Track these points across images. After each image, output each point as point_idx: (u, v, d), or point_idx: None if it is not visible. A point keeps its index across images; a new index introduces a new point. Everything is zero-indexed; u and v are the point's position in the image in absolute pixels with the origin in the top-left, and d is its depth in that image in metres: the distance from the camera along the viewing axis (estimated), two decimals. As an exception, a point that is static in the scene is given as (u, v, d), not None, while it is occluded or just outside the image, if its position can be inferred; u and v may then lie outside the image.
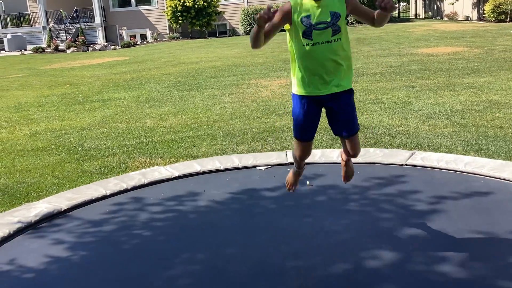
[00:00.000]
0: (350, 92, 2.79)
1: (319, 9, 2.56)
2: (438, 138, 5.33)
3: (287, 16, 2.61)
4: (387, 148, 5.06)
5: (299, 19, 2.58)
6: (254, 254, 3.13)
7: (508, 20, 22.03)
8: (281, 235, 3.37)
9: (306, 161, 3.28)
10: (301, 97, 2.79)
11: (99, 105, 9.06)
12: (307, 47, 2.62)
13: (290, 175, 3.36)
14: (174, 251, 3.26)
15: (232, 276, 2.90)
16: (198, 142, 6.01)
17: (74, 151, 6.02)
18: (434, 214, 3.44)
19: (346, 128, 2.84)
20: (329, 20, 2.56)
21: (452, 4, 28.96)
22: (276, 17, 2.55)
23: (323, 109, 2.88)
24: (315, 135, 2.97)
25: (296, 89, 2.79)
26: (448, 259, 2.85)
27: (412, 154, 4.61)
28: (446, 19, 29.33)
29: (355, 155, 2.99)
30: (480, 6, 25.96)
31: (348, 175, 3.28)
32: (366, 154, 4.68)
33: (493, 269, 2.74)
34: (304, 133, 2.89)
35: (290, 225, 3.52)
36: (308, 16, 2.57)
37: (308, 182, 4.15)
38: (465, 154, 4.70)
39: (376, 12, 2.58)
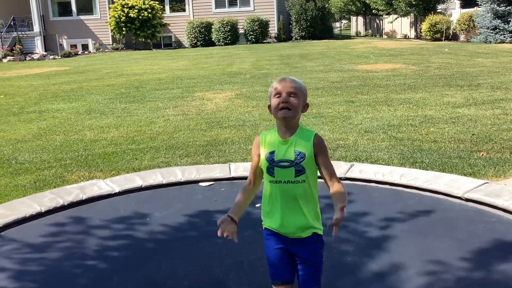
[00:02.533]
0: (316, 241, 2.45)
1: (285, 146, 2.40)
2: (375, 151, 5.51)
3: (259, 149, 2.46)
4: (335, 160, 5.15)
5: (265, 154, 2.43)
6: (196, 268, 3.09)
7: (443, 38, 23.23)
8: (223, 250, 3.34)
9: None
10: (264, 229, 2.52)
11: (36, 117, 8.72)
12: (270, 184, 2.43)
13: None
14: (114, 270, 3.16)
15: (172, 292, 2.84)
16: (141, 155, 5.90)
17: (7, 165, 5.75)
18: (371, 236, 3.48)
19: (302, 276, 2.45)
20: (292, 159, 2.37)
21: (391, 22, 30.23)
22: (255, 157, 2.47)
23: None
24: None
25: (264, 222, 2.52)
26: (381, 280, 2.92)
27: (351, 166, 4.73)
28: (385, 36, 30.55)
29: None
30: (418, 25, 27.25)
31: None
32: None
33: (433, 285, 2.82)
34: (275, 271, 2.50)
35: (240, 249, 3.48)
36: (272, 153, 2.42)
37: (257, 205, 4.12)
38: (401, 167, 4.87)
39: (331, 193, 2.37)
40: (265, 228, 2.51)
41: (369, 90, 9.64)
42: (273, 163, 2.40)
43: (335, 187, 2.37)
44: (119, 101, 9.87)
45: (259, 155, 2.45)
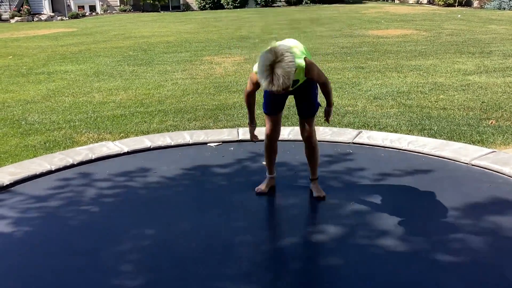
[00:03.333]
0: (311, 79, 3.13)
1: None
2: (384, 118, 5.49)
3: (257, 82, 2.98)
4: (336, 127, 5.17)
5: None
6: (204, 230, 3.15)
7: (456, 4, 22.73)
8: (231, 211, 3.40)
9: (259, 137, 3.50)
10: None
11: (44, 78, 8.73)
12: None
13: (262, 185, 3.56)
14: (122, 226, 3.23)
15: (181, 251, 2.91)
16: (149, 118, 5.92)
17: (17, 125, 5.80)
18: (378, 191, 3.57)
19: (301, 107, 3.28)
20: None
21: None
22: (251, 86, 3.13)
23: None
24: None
25: None
26: (390, 233, 2.97)
27: (359, 133, 4.73)
28: (397, 1, 29.91)
29: (308, 137, 3.32)
30: (430, -10, 26.59)
31: (319, 194, 3.45)
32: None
33: (430, 243, 2.88)
34: (271, 109, 3.28)
35: (240, 201, 3.56)
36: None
37: (263, 162, 4.19)
38: (409, 134, 4.87)
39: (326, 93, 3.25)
40: None
41: (379, 56, 9.53)
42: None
43: (323, 91, 3.23)
44: (127, 64, 9.84)
45: (255, 84, 3.05)
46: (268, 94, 3.19)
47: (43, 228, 3.24)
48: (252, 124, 3.43)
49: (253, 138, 3.49)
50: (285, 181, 3.86)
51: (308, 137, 3.32)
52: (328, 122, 3.46)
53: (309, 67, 3.00)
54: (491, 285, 2.48)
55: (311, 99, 3.27)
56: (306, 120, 3.29)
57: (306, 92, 3.21)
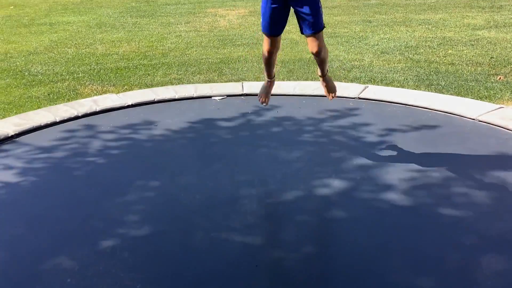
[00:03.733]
0: None
1: None
2: (391, 73, 5.42)
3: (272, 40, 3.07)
4: (342, 81, 5.11)
5: None
6: (208, 182, 3.17)
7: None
8: (235, 165, 3.41)
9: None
10: None
11: (47, 29, 8.60)
12: None
13: (261, 88, 3.44)
14: (126, 178, 3.25)
15: (185, 203, 2.94)
16: (153, 70, 5.86)
17: (20, 76, 5.76)
18: (383, 145, 3.56)
19: (305, 23, 2.92)
20: None
21: None
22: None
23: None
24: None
25: None
26: (393, 187, 2.98)
27: (365, 88, 4.68)
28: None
29: (316, 54, 3.03)
30: None
31: (329, 91, 3.37)
32: (320, 87, 4.70)
33: (434, 196, 2.89)
34: (270, 29, 3.01)
35: (245, 154, 3.57)
36: None
37: (277, 111, 4.20)
38: (416, 89, 4.81)
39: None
40: None
41: (388, 9, 9.30)
42: None
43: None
44: (129, 15, 9.65)
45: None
46: (267, 11, 2.95)
47: (48, 178, 3.27)
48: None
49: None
50: (290, 135, 3.85)
51: (317, 53, 3.03)
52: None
53: None
54: (494, 237, 2.50)
55: (315, 12, 2.89)
56: (312, 37, 2.97)
57: (308, 4, 2.87)
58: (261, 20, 3.04)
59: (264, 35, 3.08)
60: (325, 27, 2.98)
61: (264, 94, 3.42)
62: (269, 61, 3.25)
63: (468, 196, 2.88)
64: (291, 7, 2.93)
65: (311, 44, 2.99)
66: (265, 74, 3.40)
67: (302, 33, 3.02)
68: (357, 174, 3.18)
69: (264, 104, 3.46)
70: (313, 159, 3.48)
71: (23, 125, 3.95)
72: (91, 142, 3.74)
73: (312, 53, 3.06)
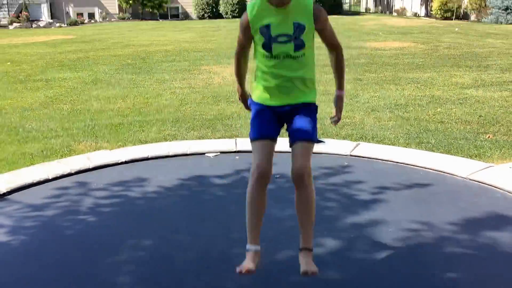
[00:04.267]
0: (311, 105, 2.44)
1: (280, 18, 2.22)
2: (382, 130, 5.51)
3: (248, 29, 2.31)
4: (334, 138, 5.18)
5: (258, 28, 2.26)
6: (201, 241, 3.14)
7: (454, 17, 22.91)
8: (229, 222, 3.39)
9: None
10: (258, 104, 2.48)
11: (42, 85, 8.73)
12: (267, 60, 2.32)
13: (245, 264, 2.36)
14: (119, 237, 3.21)
15: (178, 262, 2.90)
16: (147, 127, 5.92)
17: (14, 132, 5.79)
18: (375, 204, 3.57)
19: (299, 132, 2.36)
20: (291, 33, 2.23)
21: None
22: (241, 38, 2.38)
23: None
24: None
25: (254, 95, 2.50)
26: (388, 247, 2.97)
27: (357, 145, 4.74)
28: (395, 14, 30.13)
29: (301, 175, 2.32)
30: (428, 3, 26.82)
31: (306, 272, 2.38)
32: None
33: (428, 257, 2.88)
34: (261, 129, 2.41)
35: (238, 212, 3.53)
36: (268, 26, 2.24)
37: (276, 176, 4.12)
38: (406, 147, 4.88)
39: (333, 67, 2.47)
40: (254, 101, 2.47)
41: (377, 68, 9.57)
42: (270, 38, 2.23)
43: (336, 62, 2.46)
44: (125, 72, 9.85)
45: (249, 38, 2.32)
46: (256, 112, 2.46)
47: (39, 237, 3.23)
48: (242, 87, 2.66)
49: (244, 100, 2.68)
50: (283, 192, 3.85)
51: (300, 175, 2.31)
52: (338, 120, 2.59)
53: (320, 9, 2.29)
54: (489, 301, 2.48)
55: (310, 119, 2.40)
56: (300, 144, 2.33)
57: (304, 113, 2.39)
58: (250, 129, 2.47)
59: (252, 145, 2.42)
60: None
61: (250, 269, 2.33)
62: (257, 196, 2.38)
63: (462, 257, 2.87)
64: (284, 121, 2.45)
65: (297, 156, 2.31)
66: (248, 234, 2.40)
67: (291, 137, 2.40)
68: (350, 233, 3.17)
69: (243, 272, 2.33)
70: (306, 217, 3.47)
71: (15, 182, 3.94)
72: (83, 200, 3.72)
73: (294, 174, 2.33)
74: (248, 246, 2.39)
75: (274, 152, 2.46)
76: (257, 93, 2.45)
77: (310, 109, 2.42)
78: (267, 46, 2.27)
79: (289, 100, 2.37)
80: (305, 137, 2.33)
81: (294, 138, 2.35)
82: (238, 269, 2.32)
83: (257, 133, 2.40)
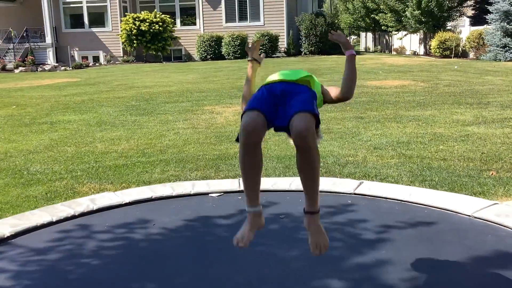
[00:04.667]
0: (308, 88, 2.57)
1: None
2: (384, 169, 5.52)
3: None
4: (337, 176, 5.19)
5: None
6: (205, 284, 3.11)
7: (452, 55, 23.25)
8: (233, 264, 3.36)
9: (261, 187, 2.48)
10: (258, 90, 2.65)
11: (47, 128, 8.82)
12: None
13: (242, 230, 2.51)
14: (122, 281, 3.19)
15: (182, 306, 2.87)
16: (151, 168, 5.95)
17: (19, 175, 5.81)
18: (381, 243, 3.54)
19: (294, 107, 2.31)
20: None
21: (400, 39, 30.33)
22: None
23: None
24: (265, 165, 2.78)
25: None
26: (394, 287, 2.93)
27: (360, 183, 4.74)
28: (394, 53, 30.63)
29: (303, 138, 2.19)
30: (427, 42, 27.30)
31: (317, 245, 2.49)
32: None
33: (435, 297, 2.84)
34: (255, 102, 2.42)
35: (242, 253, 3.51)
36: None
37: (282, 216, 4.08)
38: (410, 185, 4.88)
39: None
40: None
41: (378, 106, 9.66)
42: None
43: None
44: (129, 114, 9.96)
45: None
46: (258, 94, 2.59)
47: (43, 281, 3.20)
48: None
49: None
50: (288, 232, 3.84)
51: (302, 136, 2.18)
52: (341, 36, 2.73)
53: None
54: None
55: (306, 96, 2.45)
56: (298, 114, 2.25)
57: (298, 92, 2.49)
58: (246, 105, 2.49)
59: (242, 117, 2.35)
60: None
61: (244, 233, 2.44)
62: (248, 163, 2.33)
63: (470, 296, 2.83)
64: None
65: (297, 122, 2.18)
66: (246, 197, 2.43)
67: (278, 125, 2.36)
68: (356, 274, 3.14)
69: (240, 245, 2.49)
70: (312, 257, 3.42)
71: (19, 225, 3.93)
72: (86, 243, 3.71)
73: (295, 137, 2.20)
74: (247, 208, 2.41)
75: (265, 190, 2.70)
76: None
77: (306, 89, 2.53)
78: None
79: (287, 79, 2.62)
80: (303, 109, 2.27)
81: (291, 112, 2.27)
82: (234, 241, 2.39)
83: (249, 105, 2.42)
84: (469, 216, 3.92)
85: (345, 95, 2.72)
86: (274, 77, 2.69)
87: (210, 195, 4.67)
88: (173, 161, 6.21)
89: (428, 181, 5.02)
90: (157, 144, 7.21)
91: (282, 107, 2.39)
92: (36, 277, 3.24)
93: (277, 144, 6.88)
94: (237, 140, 2.35)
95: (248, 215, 2.44)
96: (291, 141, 2.32)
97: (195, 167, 5.91)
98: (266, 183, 4.88)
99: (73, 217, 4.18)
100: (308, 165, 2.28)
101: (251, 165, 2.35)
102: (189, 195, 4.69)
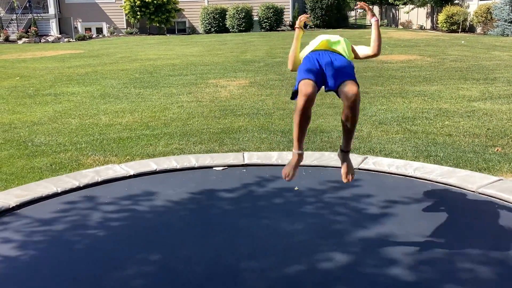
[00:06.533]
0: (347, 60, 3.24)
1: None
2: (389, 144, 5.50)
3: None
4: (342, 152, 5.16)
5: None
6: (209, 255, 3.13)
7: (460, 30, 22.94)
8: (237, 236, 3.38)
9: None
10: (306, 56, 3.26)
11: (51, 99, 8.80)
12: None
13: (289, 166, 3.18)
14: (127, 251, 3.21)
15: (186, 276, 2.90)
16: (155, 141, 5.95)
17: (23, 147, 5.83)
18: (384, 218, 3.55)
19: (343, 75, 3.07)
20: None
21: (407, 13, 29.91)
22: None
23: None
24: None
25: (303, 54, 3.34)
26: (397, 261, 2.95)
27: (365, 158, 4.73)
28: (401, 27, 30.24)
29: (353, 102, 3.00)
30: (434, 16, 26.91)
31: (349, 171, 3.30)
32: (321, 158, 4.77)
33: (438, 272, 2.85)
34: (309, 73, 3.06)
35: (246, 226, 3.55)
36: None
37: (296, 188, 4.12)
38: (414, 160, 4.86)
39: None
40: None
41: (384, 81, 9.58)
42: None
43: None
44: (133, 86, 9.92)
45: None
46: (304, 61, 3.21)
47: (47, 252, 3.23)
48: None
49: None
50: (291, 206, 3.85)
51: (354, 100, 2.99)
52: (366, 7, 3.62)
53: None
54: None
55: (348, 66, 3.17)
56: (347, 81, 3.03)
57: (342, 63, 3.17)
58: (297, 77, 3.11)
59: (300, 84, 3.01)
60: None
61: (292, 173, 3.18)
62: (303, 114, 3.01)
63: (472, 271, 2.84)
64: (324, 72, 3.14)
65: (348, 88, 2.98)
66: (295, 143, 3.13)
67: (329, 87, 3.10)
68: (359, 248, 3.16)
69: (287, 178, 3.20)
70: (315, 231, 3.46)
71: (25, 196, 3.96)
72: (91, 214, 3.73)
73: (349, 100, 2.98)
74: (295, 151, 3.16)
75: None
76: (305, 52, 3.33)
77: (345, 60, 3.22)
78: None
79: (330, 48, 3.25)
80: (350, 78, 3.06)
81: (341, 80, 3.05)
82: (282, 175, 3.20)
83: (305, 75, 3.05)
84: (473, 192, 3.91)
85: (375, 53, 3.51)
86: (318, 42, 3.34)
87: (214, 168, 4.67)
88: (177, 134, 6.20)
89: (433, 157, 5.00)
90: (161, 117, 7.19)
91: (329, 75, 3.11)
92: (41, 247, 3.27)
93: (281, 118, 6.85)
94: (292, 98, 3.17)
95: (293, 155, 3.17)
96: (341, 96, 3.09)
97: (199, 140, 5.90)
98: (270, 156, 4.88)
99: (78, 188, 4.20)
100: (353, 117, 3.08)
101: (304, 121, 3.05)
102: (193, 168, 4.70)
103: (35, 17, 26.13)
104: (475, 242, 3.17)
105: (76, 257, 3.15)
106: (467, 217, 3.53)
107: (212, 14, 25.54)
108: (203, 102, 8.15)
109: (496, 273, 2.83)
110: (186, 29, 27.30)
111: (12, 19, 25.92)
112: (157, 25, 25.82)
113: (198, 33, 26.29)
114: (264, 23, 25.33)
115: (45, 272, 2.99)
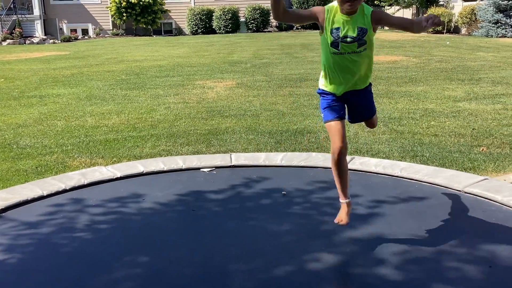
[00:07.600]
0: (368, 87, 3.12)
1: (348, 24, 2.80)
2: (376, 144, 5.53)
3: (315, 16, 2.87)
4: (329, 152, 5.17)
5: (330, 29, 2.83)
6: (197, 257, 3.12)
7: (445, 31, 23.16)
8: (225, 237, 3.38)
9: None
10: (327, 93, 3.07)
11: (36, 101, 8.71)
12: (333, 55, 2.90)
13: (341, 214, 3.17)
14: (114, 254, 3.19)
15: (174, 278, 2.88)
16: (142, 142, 5.91)
17: (8, 149, 5.76)
18: (372, 218, 3.57)
19: (366, 113, 3.24)
20: (355, 35, 2.81)
21: (393, 14, 30.11)
22: (309, 12, 2.90)
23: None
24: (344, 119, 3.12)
25: (323, 86, 3.09)
26: (385, 261, 2.96)
27: (352, 159, 4.75)
28: (386, 28, 30.43)
29: (374, 126, 3.52)
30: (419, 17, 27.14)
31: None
32: (309, 158, 4.79)
33: (426, 271, 2.87)
34: (332, 112, 3.04)
35: (234, 227, 3.54)
36: (337, 29, 2.83)
37: (283, 192, 4.10)
38: (401, 160, 4.90)
39: (416, 22, 2.74)
40: (321, 89, 3.10)
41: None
42: (338, 38, 2.84)
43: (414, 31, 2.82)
44: (119, 88, 9.85)
45: (319, 18, 2.85)
46: (326, 100, 3.06)
47: (33, 255, 3.19)
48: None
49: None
50: (279, 207, 3.85)
51: (374, 126, 3.53)
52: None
53: (376, 12, 2.87)
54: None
55: (370, 98, 3.19)
56: (372, 118, 3.29)
57: (364, 95, 3.12)
58: (322, 116, 3.11)
59: (327, 127, 3.05)
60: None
61: (344, 215, 3.16)
62: (339, 166, 3.06)
63: (459, 270, 2.87)
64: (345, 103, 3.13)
65: (369, 124, 3.41)
66: (339, 192, 3.15)
67: (355, 122, 3.33)
68: (348, 248, 3.17)
69: (341, 223, 3.15)
70: (303, 231, 3.47)
71: (10, 199, 3.91)
72: (78, 217, 3.70)
73: (371, 127, 3.51)
74: (341, 200, 3.17)
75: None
76: (326, 85, 3.05)
77: (368, 91, 3.13)
78: (335, 44, 2.85)
79: (352, 88, 3.02)
80: (373, 114, 3.26)
81: (366, 117, 3.28)
82: (336, 220, 3.16)
83: (330, 116, 3.04)
84: (459, 191, 3.95)
85: (415, 31, 2.88)
86: (336, 85, 3.04)
87: (201, 169, 4.66)
88: (164, 135, 6.18)
89: (419, 157, 5.04)
90: (148, 118, 7.16)
91: (353, 111, 3.21)
92: (27, 251, 3.23)
93: (268, 119, 6.86)
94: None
95: (342, 205, 3.17)
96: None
97: (186, 141, 5.88)
98: (258, 158, 4.88)
99: (64, 191, 4.16)
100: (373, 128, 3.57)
101: (341, 173, 3.10)
102: (181, 169, 4.68)
103: (20, 19, 25.85)
104: (462, 241, 3.20)
105: (63, 260, 3.12)
106: (454, 216, 3.56)
107: (199, 15, 25.49)
108: (190, 104, 8.12)
109: (482, 271, 2.86)
110: (172, 30, 27.22)
111: (-4, 20, 25.62)
112: (144, 26, 25.71)
113: (185, 34, 26.22)
114: (250, 24, 25.35)
115: (31, 275, 2.95)
